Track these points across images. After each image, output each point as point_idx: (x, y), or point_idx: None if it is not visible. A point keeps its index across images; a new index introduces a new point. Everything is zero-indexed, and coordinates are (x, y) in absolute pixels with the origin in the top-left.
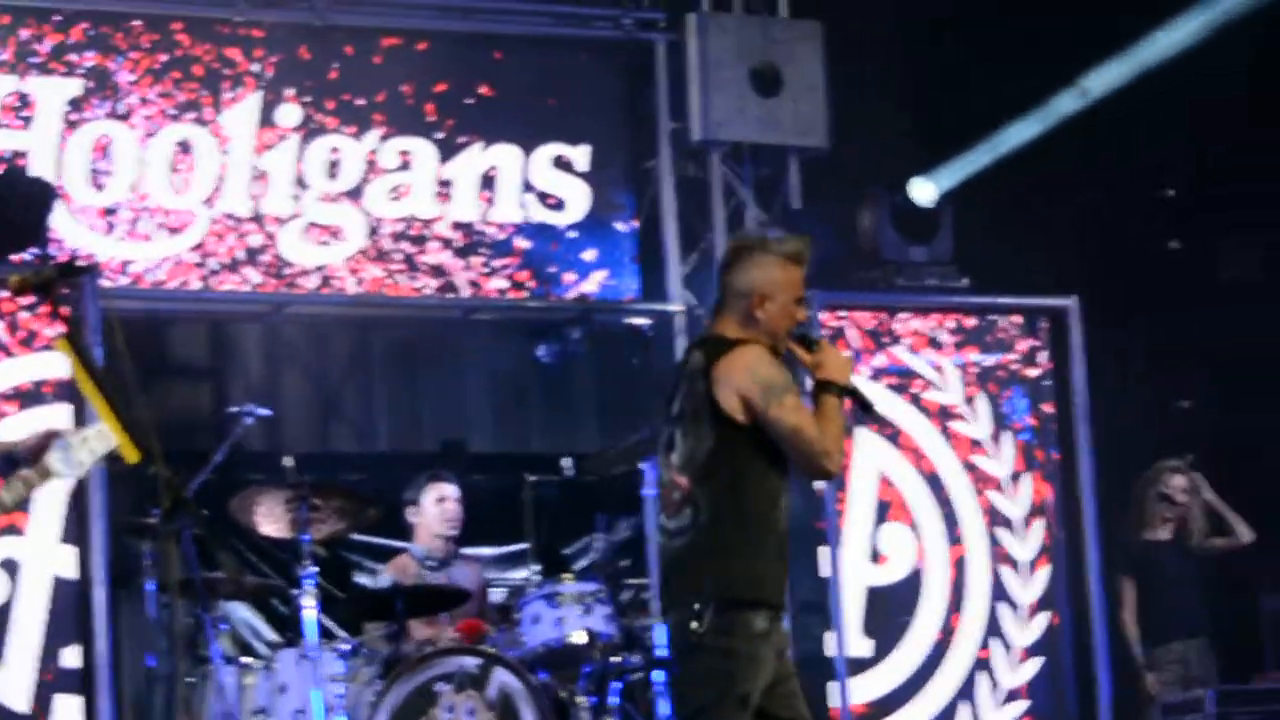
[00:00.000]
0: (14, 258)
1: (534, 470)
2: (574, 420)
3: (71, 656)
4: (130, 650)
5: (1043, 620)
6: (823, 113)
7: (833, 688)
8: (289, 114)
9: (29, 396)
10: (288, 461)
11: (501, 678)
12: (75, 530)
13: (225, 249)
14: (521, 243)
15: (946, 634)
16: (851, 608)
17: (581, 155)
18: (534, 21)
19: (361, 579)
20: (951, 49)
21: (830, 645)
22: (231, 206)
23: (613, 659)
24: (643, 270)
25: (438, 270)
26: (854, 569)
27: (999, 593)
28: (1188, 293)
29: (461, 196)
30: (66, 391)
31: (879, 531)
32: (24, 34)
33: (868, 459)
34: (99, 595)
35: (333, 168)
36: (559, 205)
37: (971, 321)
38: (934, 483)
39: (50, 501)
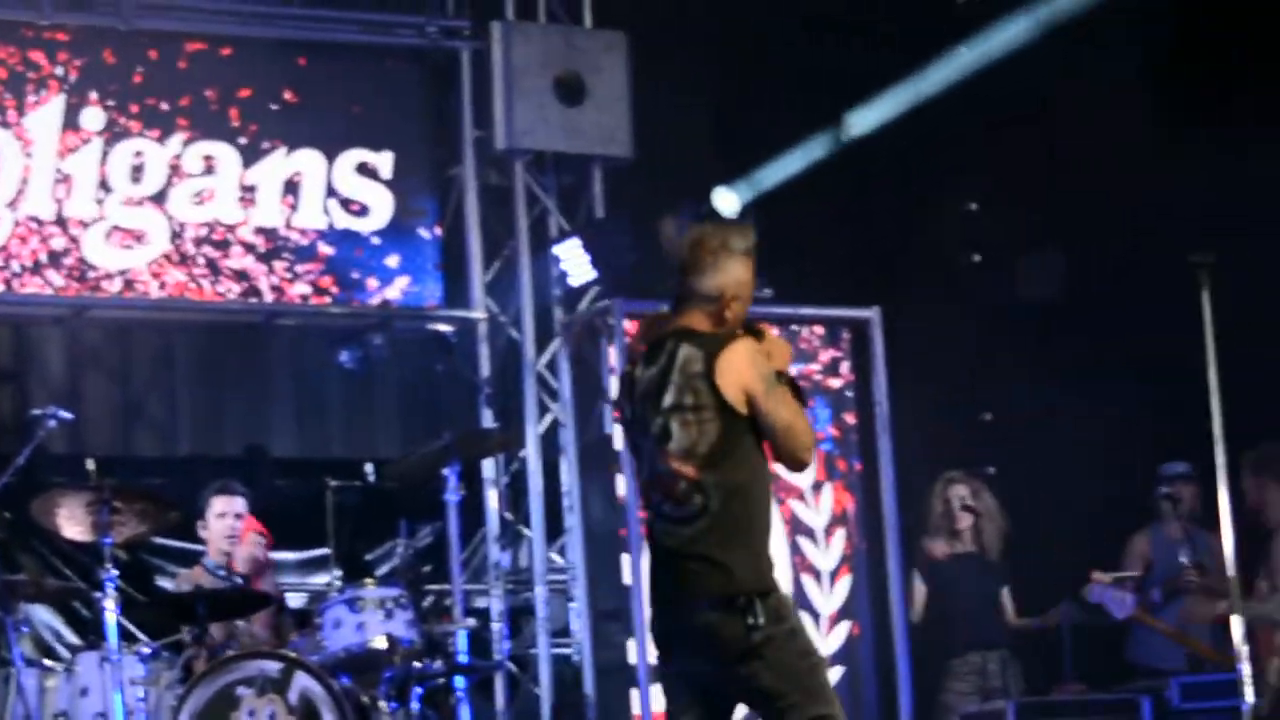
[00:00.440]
0: None
1: (336, 476)
2: (376, 426)
3: None
4: None
5: (844, 630)
6: (626, 122)
7: (634, 695)
8: (93, 118)
9: None
10: (89, 464)
11: (303, 682)
12: None
13: (28, 252)
14: (325, 248)
15: None
16: None
17: (385, 162)
18: (339, 28)
19: (163, 582)
20: (755, 60)
21: (631, 652)
22: (35, 209)
23: (414, 664)
24: (446, 277)
25: (241, 275)
26: None
27: (800, 602)
28: (988, 306)
29: (265, 202)
30: None
31: None
32: None
33: None
34: None
35: (136, 172)
36: (362, 211)
37: (774, 332)
38: None
39: None
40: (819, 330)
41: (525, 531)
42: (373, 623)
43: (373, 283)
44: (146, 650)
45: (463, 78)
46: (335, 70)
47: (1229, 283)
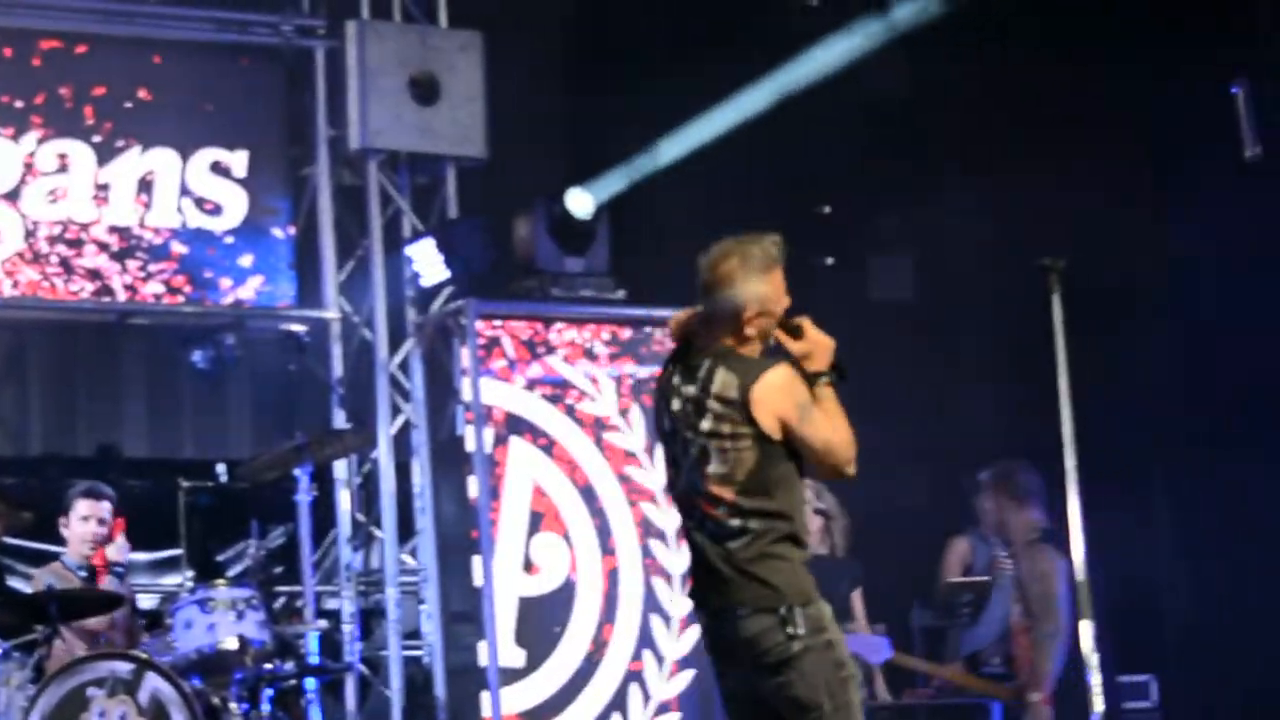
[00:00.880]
0: None
1: (188, 476)
2: (229, 426)
3: None
4: None
5: (694, 633)
6: (481, 122)
7: (485, 697)
8: None
9: None
10: None
11: (154, 683)
12: None
13: None
14: (179, 247)
15: (599, 645)
16: (504, 617)
17: (239, 161)
18: (194, 27)
19: (14, 583)
20: (611, 63)
21: (483, 655)
22: None
23: (265, 666)
24: (299, 277)
25: (94, 274)
26: (507, 579)
27: (651, 604)
28: (839, 309)
29: (119, 200)
30: None
31: (532, 542)
32: None
33: (521, 469)
34: None
35: None
36: (216, 210)
37: (626, 333)
38: (588, 494)
39: None
40: None
41: (377, 533)
42: (224, 624)
43: (226, 282)
44: None
45: (318, 77)
46: (190, 68)
47: (1080, 286)
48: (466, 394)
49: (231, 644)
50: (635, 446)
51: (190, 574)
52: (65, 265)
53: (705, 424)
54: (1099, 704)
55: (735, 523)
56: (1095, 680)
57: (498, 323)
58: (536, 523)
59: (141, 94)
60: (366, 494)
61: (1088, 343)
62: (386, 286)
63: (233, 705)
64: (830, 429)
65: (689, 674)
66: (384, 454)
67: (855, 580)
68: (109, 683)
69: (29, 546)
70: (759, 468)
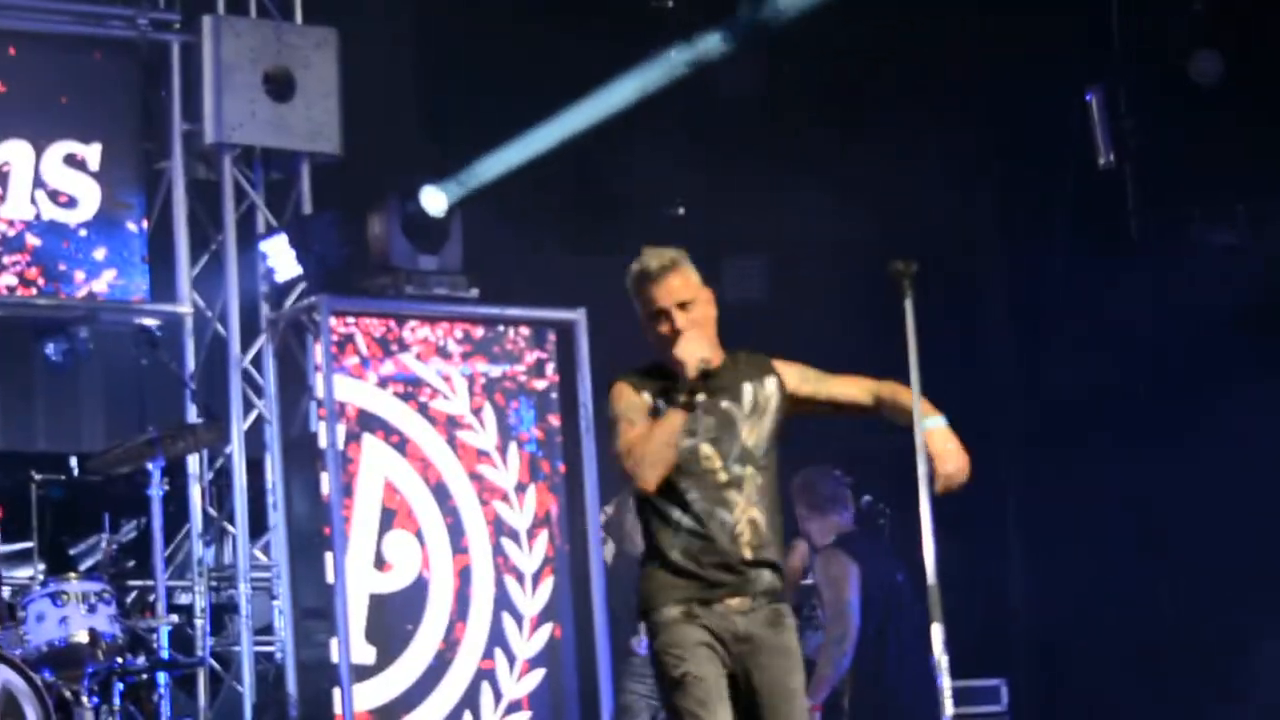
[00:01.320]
0: None
1: (40, 469)
2: (82, 419)
3: None
4: None
5: (546, 632)
6: (335, 118)
7: (336, 694)
8: None
9: None
10: None
11: (4, 675)
12: None
13: None
14: (32, 239)
15: (450, 643)
16: (355, 614)
17: (94, 154)
18: (50, 19)
19: None
20: (464, 62)
21: (334, 651)
22: None
23: (117, 659)
24: (152, 271)
25: None
26: (358, 575)
27: (503, 603)
28: None
29: None
30: None
31: (384, 539)
32: None
33: (374, 466)
34: None
35: None
36: (70, 203)
37: (480, 332)
38: (440, 492)
39: None
40: (525, 331)
41: (229, 528)
42: (75, 617)
43: (80, 275)
44: None
45: (173, 71)
46: (45, 60)
47: (931, 291)
48: (319, 390)
49: (83, 637)
50: (488, 445)
51: (42, 567)
52: None
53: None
54: (949, 708)
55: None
56: (945, 684)
57: (351, 319)
58: (389, 520)
59: None
60: (219, 489)
61: (937, 344)
62: (240, 282)
63: (84, 699)
64: (623, 440)
65: (540, 673)
66: (236, 449)
67: None
68: None
69: None
70: (773, 446)
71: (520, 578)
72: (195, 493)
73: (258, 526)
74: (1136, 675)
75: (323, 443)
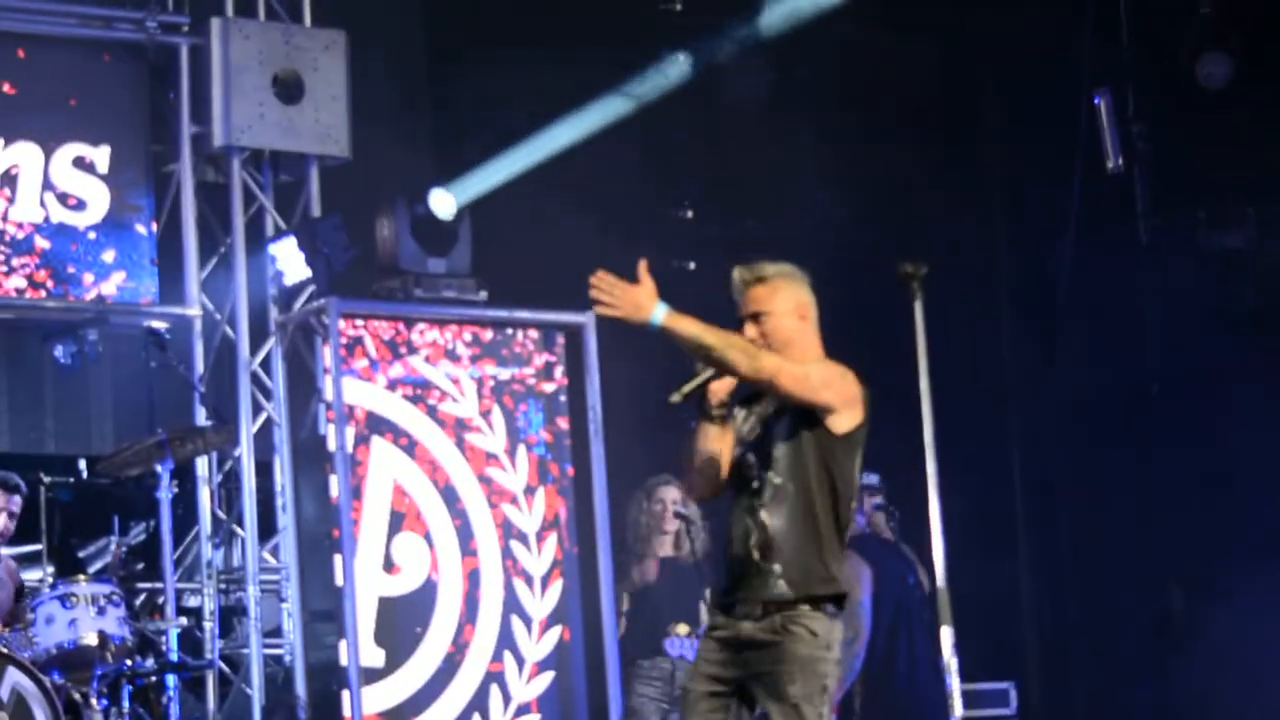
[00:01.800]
0: None
1: (50, 471)
2: (91, 422)
3: None
4: None
5: (555, 635)
6: (344, 121)
7: (345, 696)
8: None
9: None
10: None
11: (14, 678)
12: None
13: None
14: (41, 242)
15: (459, 646)
16: (365, 617)
17: (102, 156)
18: (58, 21)
19: None
20: (473, 64)
21: (343, 654)
22: None
23: (126, 662)
24: (162, 273)
25: None
26: (367, 578)
27: (512, 606)
28: (703, 314)
29: None
30: None
31: (393, 541)
32: None
33: (383, 469)
34: None
35: None
36: (79, 206)
37: (488, 335)
38: (449, 494)
39: None
40: (533, 334)
41: (238, 531)
42: (85, 619)
43: (89, 277)
44: None
45: (181, 74)
46: (54, 63)
47: (941, 294)
48: (328, 393)
49: (92, 639)
50: (496, 448)
51: (51, 569)
52: None
53: None
54: (958, 710)
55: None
56: (955, 686)
57: (360, 322)
58: (398, 523)
59: (5, 88)
60: (228, 491)
61: (947, 346)
62: (249, 284)
63: (94, 701)
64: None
65: (548, 676)
66: (245, 452)
67: (702, 584)
68: None
69: None
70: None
71: (529, 580)
72: (204, 495)
73: (267, 529)
74: (1146, 677)
75: (331, 445)
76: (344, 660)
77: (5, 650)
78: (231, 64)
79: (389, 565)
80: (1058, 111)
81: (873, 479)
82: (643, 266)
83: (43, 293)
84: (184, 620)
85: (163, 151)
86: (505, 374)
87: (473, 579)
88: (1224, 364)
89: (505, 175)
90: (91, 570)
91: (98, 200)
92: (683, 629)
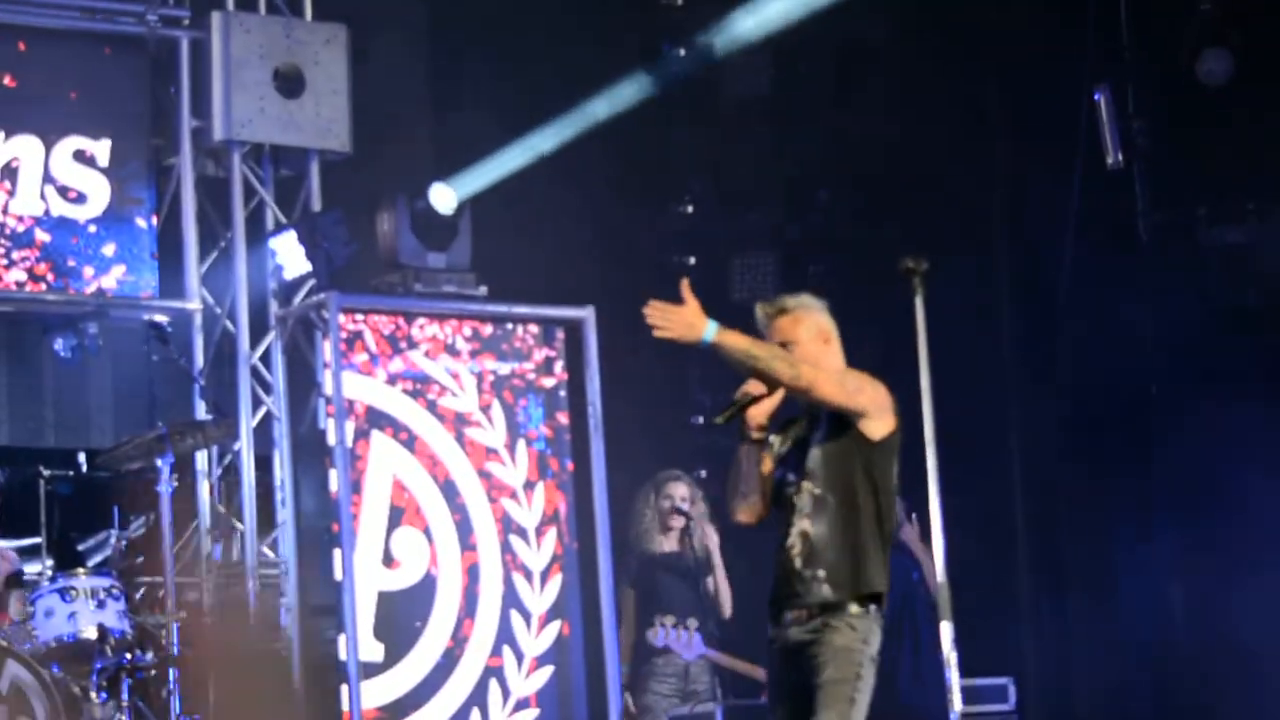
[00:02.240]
0: None
1: (49, 464)
2: (91, 415)
3: None
4: None
5: (554, 629)
6: (345, 116)
7: (344, 691)
8: None
9: None
10: None
11: (13, 670)
12: None
13: None
14: (41, 235)
15: (458, 640)
16: (364, 611)
17: (103, 149)
18: (59, 14)
19: None
20: (476, 60)
21: (342, 648)
22: None
23: (126, 655)
24: (162, 267)
25: None
26: (367, 573)
27: (511, 601)
28: (705, 308)
29: None
30: None
31: (392, 536)
32: None
33: (382, 463)
34: None
35: None
36: (80, 199)
37: (488, 329)
38: (449, 489)
39: None
40: (533, 329)
41: (238, 525)
42: (84, 612)
43: (89, 271)
44: None
45: (182, 67)
46: (55, 56)
47: (940, 289)
48: (328, 387)
49: (92, 633)
50: (496, 443)
51: (50, 562)
52: None
53: None
54: (958, 705)
55: None
56: (954, 681)
57: (360, 317)
58: (397, 517)
59: (6, 80)
60: (227, 485)
61: (947, 342)
62: (249, 278)
63: (93, 694)
64: None
65: (548, 670)
66: (245, 446)
67: (704, 575)
68: None
69: None
70: None
71: (528, 575)
72: (204, 489)
73: (266, 523)
74: (1147, 674)
75: (331, 440)
76: (343, 655)
77: (4, 643)
78: (232, 58)
79: (388, 560)
80: (1058, 107)
81: None
82: (685, 287)
83: (43, 286)
84: (184, 614)
85: (163, 145)
86: (505, 369)
87: (472, 573)
88: (1224, 361)
89: (505, 170)
90: (91, 564)
91: (98, 193)
92: (669, 619)
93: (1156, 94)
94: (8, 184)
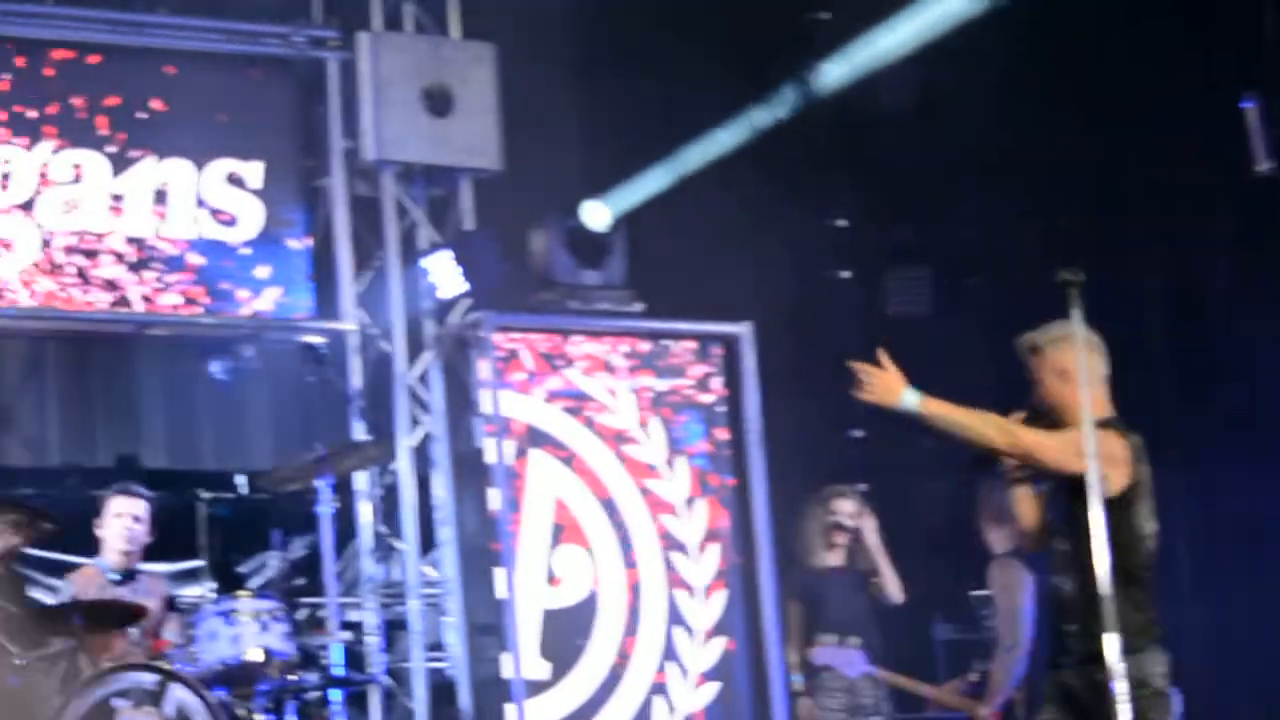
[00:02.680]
0: None
1: (208, 487)
2: (248, 437)
3: None
4: None
5: (718, 645)
6: (495, 134)
7: (510, 710)
8: None
9: None
10: None
11: (178, 694)
12: None
13: None
14: (195, 259)
15: (622, 657)
16: (527, 630)
17: (254, 172)
18: (206, 37)
19: (37, 594)
20: (627, 76)
21: (507, 667)
22: None
23: (289, 677)
24: (316, 288)
25: (111, 285)
26: (530, 591)
27: (674, 617)
28: (858, 323)
29: (134, 211)
30: None
31: (554, 554)
32: None
33: (542, 482)
34: None
35: (4, 179)
36: (232, 221)
37: (645, 346)
38: (609, 506)
39: None
40: (690, 345)
41: (398, 545)
42: (248, 635)
43: (243, 293)
44: (20, 662)
45: (331, 88)
46: (203, 79)
47: (1093, 301)
48: (485, 406)
49: (256, 655)
50: (655, 459)
51: (212, 585)
52: (82, 276)
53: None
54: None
55: None
56: (1119, 691)
57: (516, 335)
58: (558, 535)
59: (155, 104)
60: (387, 505)
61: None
62: (404, 298)
63: (257, 717)
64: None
65: (714, 686)
66: (404, 466)
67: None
68: (134, 694)
69: (50, 558)
70: None
71: (690, 591)
72: (364, 510)
73: (427, 543)
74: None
75: (490, 458)
76: (508, 673)
77: (170, 667)
78: (381, 78)
79: (551, 578)
80: (1209, 115)
81: None
82: (883, 355)
83: (198, 309)
84: (346, 635)
85: (314, 166)
86: (663, 385)
87: (634, 591)
88: None
89: (659, 186)
90: (251, 585)
91: (250, 216)
92: (830, 638)
93: None
94: (160, 208)
